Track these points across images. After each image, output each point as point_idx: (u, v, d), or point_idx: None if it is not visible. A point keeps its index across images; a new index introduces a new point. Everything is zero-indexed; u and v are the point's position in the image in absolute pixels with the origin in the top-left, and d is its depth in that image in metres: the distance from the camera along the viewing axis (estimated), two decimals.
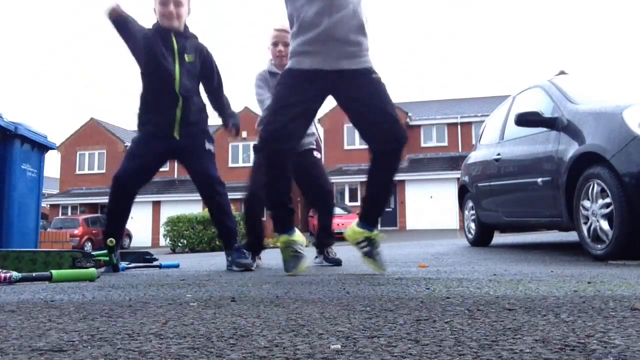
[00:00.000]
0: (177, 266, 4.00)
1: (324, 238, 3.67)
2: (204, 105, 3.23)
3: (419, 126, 26.74)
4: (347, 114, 2.52)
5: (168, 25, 3.02)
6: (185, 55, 3.05)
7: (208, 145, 3.18)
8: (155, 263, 3.82)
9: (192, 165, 3.16)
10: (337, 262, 3.54)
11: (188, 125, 3.09)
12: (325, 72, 2.40)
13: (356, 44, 2.40)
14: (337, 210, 22.00)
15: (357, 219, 2.59)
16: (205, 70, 3.18)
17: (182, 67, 3.04)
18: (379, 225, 2.62)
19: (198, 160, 3.16)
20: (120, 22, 2.94)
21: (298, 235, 2.59)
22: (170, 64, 3.01)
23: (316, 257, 3.72)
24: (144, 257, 4.02)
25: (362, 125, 2.48)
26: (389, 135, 2.40)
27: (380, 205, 2.55)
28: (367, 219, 2.53)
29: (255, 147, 3.50)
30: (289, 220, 2.57)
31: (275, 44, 3.44)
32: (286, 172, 2.48)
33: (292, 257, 2.54)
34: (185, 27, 3.13)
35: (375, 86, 2.43)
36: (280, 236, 2.55)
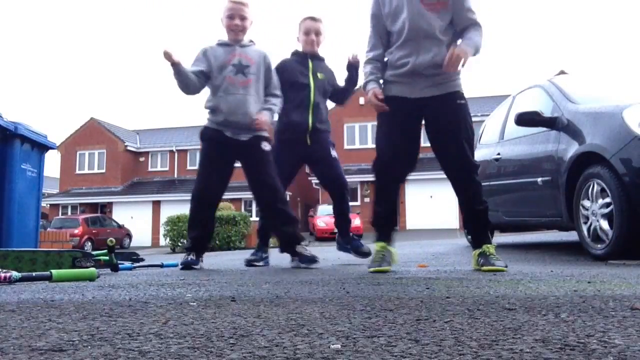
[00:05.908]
0: (176, 265, 4.00)
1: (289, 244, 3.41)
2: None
3: None
4: (429, 140, 2.70)
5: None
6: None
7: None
8: (143, 263, 3.88)
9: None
10: (312, 260, 3.29)
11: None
12: (411, 99, 2.62)
13: (441, 75, 2.56)
14: None
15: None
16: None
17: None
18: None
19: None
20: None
21: (394, 249, 2.77)
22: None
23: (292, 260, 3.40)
24: (131, 257, 4.05)
25: (436, 154, 2.67)
26: (455, 166, 2.62)
27: (479, 225, 2.73)
28: (478, 243, 2.72)
29: (200, 134, 3.35)
30: (390, 232, 2.78)
31: (231, 17, 3.24)
32: (393, 195, 2.77)
33: (379, 258, 2.68)
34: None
35: (453, 115, 2.59)
36: (380, 242, 2.74)
